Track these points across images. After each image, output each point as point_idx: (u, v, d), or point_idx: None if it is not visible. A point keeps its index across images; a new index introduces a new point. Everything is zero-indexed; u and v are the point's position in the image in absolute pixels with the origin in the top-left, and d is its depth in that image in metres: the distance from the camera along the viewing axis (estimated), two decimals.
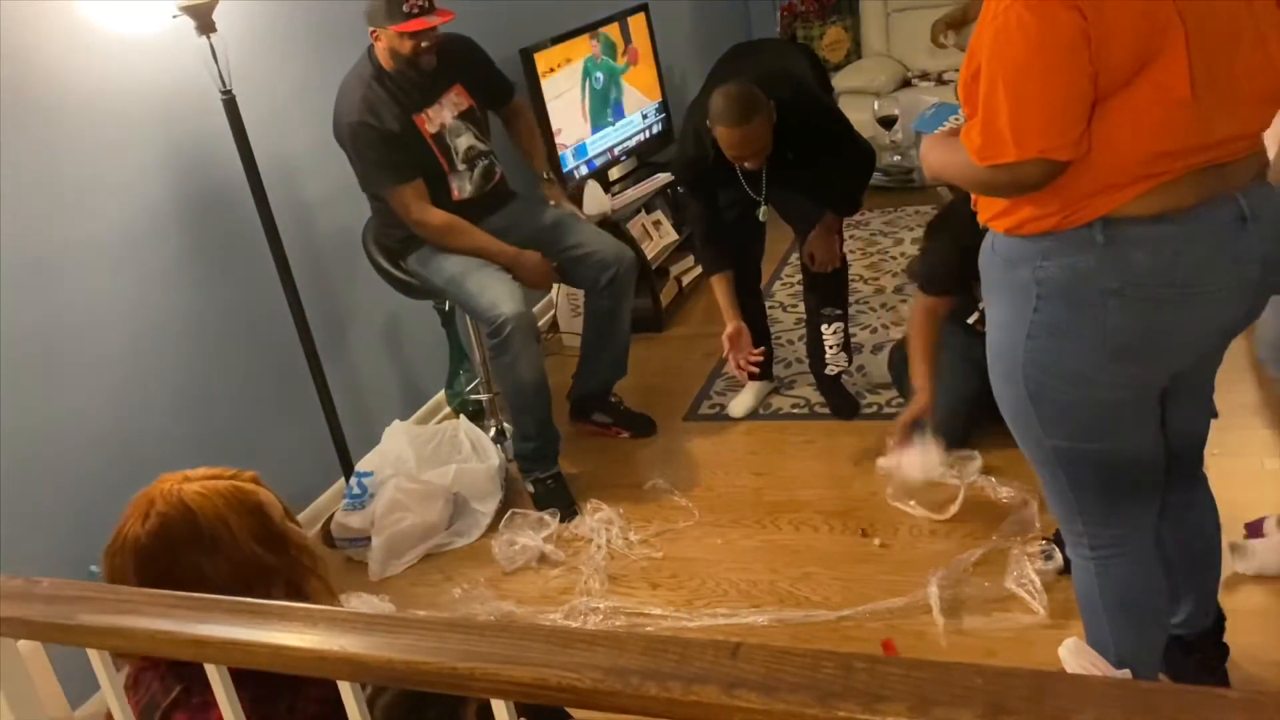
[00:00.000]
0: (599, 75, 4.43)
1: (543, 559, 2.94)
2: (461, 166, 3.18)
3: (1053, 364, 1.64)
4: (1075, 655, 2.00)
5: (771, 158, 3.05)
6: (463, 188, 3.18)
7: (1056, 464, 1.75)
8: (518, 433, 3.27)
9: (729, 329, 3.20)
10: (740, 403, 3.54)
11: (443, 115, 3.14)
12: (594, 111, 4.42)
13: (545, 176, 3.46)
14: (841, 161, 3.19)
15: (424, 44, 2.97)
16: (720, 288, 3.25)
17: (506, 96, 3.40)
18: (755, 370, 3.28)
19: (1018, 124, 1.46)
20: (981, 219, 1.70)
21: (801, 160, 3.10)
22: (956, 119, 1.73)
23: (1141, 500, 1.80)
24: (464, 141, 3.18)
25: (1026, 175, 1.50)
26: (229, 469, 1.57)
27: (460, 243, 3.13)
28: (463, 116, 3.19)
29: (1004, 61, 1.47)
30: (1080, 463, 1.74)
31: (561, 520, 3.08)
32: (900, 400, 3.42)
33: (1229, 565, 2.29)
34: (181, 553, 1.45)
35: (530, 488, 3.23)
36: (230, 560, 1.47)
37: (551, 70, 4.17)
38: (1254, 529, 2.46)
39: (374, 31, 3.00)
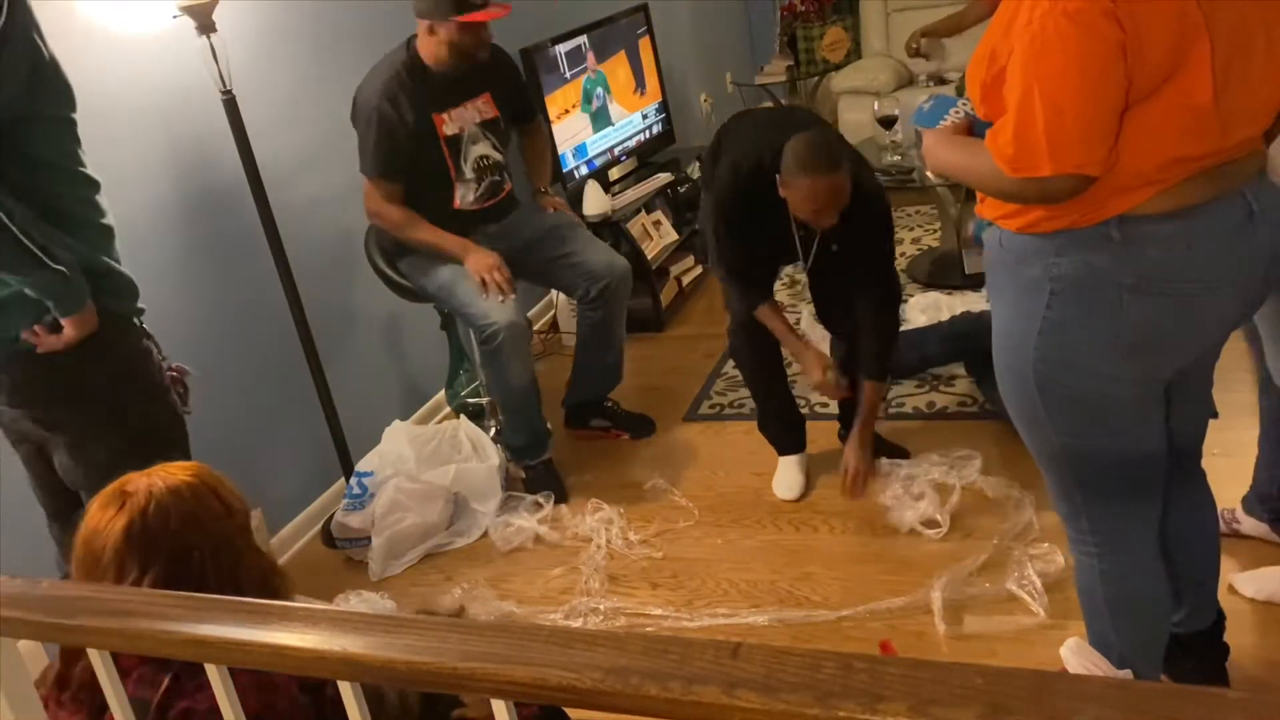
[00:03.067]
0: (599, 91, 4.43)
1: (538, 540, 3.00)
2: (470, 175, 3.18)
3: (1064, 360, 1.64)
4: (1077, 655, 2.00)
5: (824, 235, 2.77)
6: (465, 197, 3.19)
7: (1063, 460, 1.76)
8: (508, 427, 3.31)
9: (811, 362, 2.89)
10: (789, 483, 3.09)
11: (464, 119, 3.14)
12: (596, 126, 4.45)
13: (543, 190, 3.45)
14: (880, 268, 2.86)
15: (485, 35, 2.97)
16: (773, 316, 2.90)
17: (528, 117, 3.41)
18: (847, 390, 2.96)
19: (1055, 138, 1.44)
20: (988, 215, 1.69)
21: (846, 248, 2.80)
22: (957, 112, 1.71)
23: (1145, 498, 1.80)
24: (478, 150, 3.17)
25: (1057, 190, 1.49)
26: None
27: (414, 235, 3.13)
28: (484, 125, 3.19)
29: (1040, 71, 1.44)
30: (1086, 459, 1.74)
31: (555, 503, 3.15)
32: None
33: (1225, 577, 2.29)
34: (178, 530, 1.48)
35: (522, 473, 3.29)
36: (216, 534, 1.51)
37: (565, 114, 4.21)
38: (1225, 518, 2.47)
39: (428, 25, 2.97)
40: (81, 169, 2.04)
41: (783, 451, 3.12)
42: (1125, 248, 1.54)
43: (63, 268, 1.96)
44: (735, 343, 3.12)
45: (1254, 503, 2.44)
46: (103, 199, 2.10)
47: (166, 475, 1.52)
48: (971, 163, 1.61)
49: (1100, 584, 1.86)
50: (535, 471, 3.27)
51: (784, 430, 3.13)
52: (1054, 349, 1.64)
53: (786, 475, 3.09)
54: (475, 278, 3.07)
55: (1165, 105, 1.46)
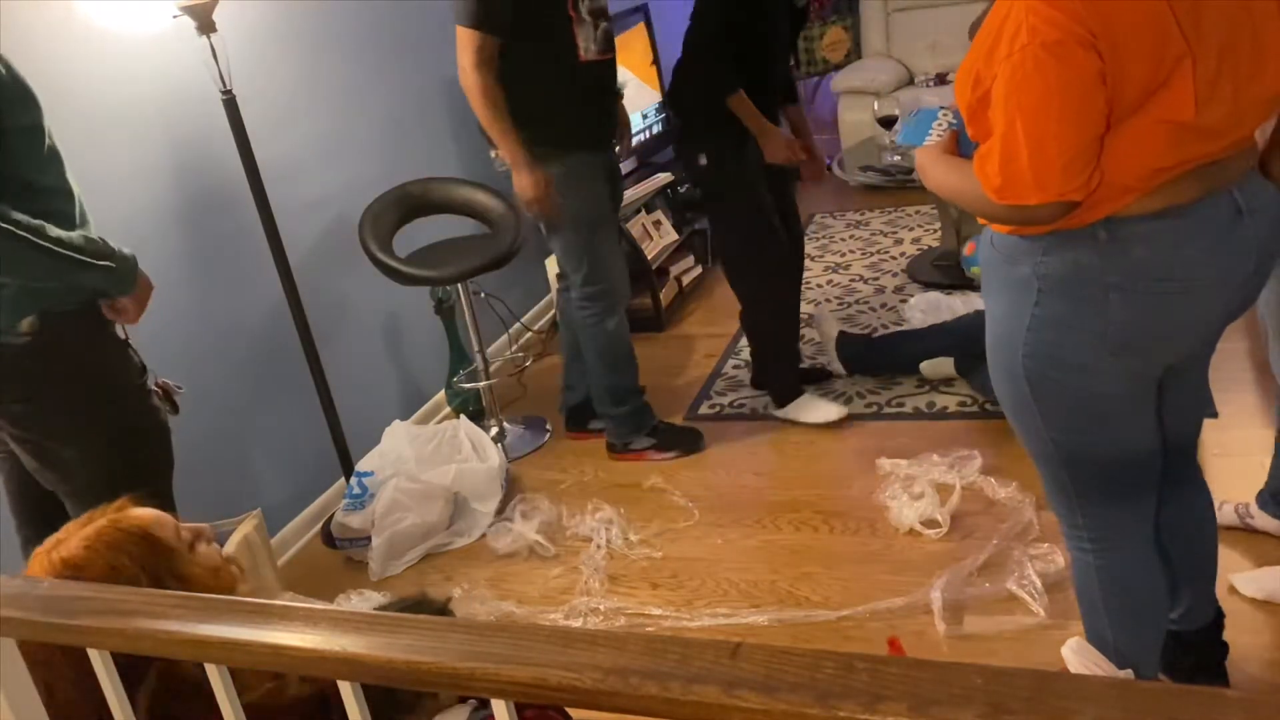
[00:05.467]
0: None
1: (531, 552, 2.97)
2: (586, 17, 2.86)
3: (1053, 357, 1.65)
4: (1079, 655, 2.00)
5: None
6: (588, 46, 2.88)
7: (1056, 457, 1.76)
8: (609, 400, 3.30)
9: (775, 137, 3.12)
10: (824, 407, 3.36)
11: None
12: None
13: (620, 90, 3.27)
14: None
15: None
16: (744, 102, 3.05)
17: None
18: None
19: (1039, 168, 1.46)
20: (981, 219, 1.70)
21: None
22: (939, 125, 1.73)
23: (1140, 494, 1.81)
24: None
25: (1042, 215, 1.51)
26: (97, 510, 1.54)
27: (487, 117, 2.84)
28: None
29: (1022, 102, 1.45)
30: (1080, 456, 1.75)
31: (688, 453, 3.28)
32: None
33: (1226, 576, 2.29)
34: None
35: (651, 440, 3.32)
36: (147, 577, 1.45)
37: None
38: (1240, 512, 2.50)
39: None
40: (51, 181, 1.99)
41: (800, 389, 3.39)
42: (1112, 247, 1.55)
43: (106, 261, 1.99)
44: (763, 294, 3.32)
45: (1268, 499, 2.45)
46: (78, 207, 2.05)
47: (64, 544, 1.46)
48: (962, 186, 1.63)
49: (1096, 580, 1.87)
50: (661, 433, 3.31)
51: (795, 371, 3.44)
52: (1042, 346, 1.65)
53: (817, 402, 3.37)
54: (520, 199, 2.97)
55: (1147, 120, 1.47)
